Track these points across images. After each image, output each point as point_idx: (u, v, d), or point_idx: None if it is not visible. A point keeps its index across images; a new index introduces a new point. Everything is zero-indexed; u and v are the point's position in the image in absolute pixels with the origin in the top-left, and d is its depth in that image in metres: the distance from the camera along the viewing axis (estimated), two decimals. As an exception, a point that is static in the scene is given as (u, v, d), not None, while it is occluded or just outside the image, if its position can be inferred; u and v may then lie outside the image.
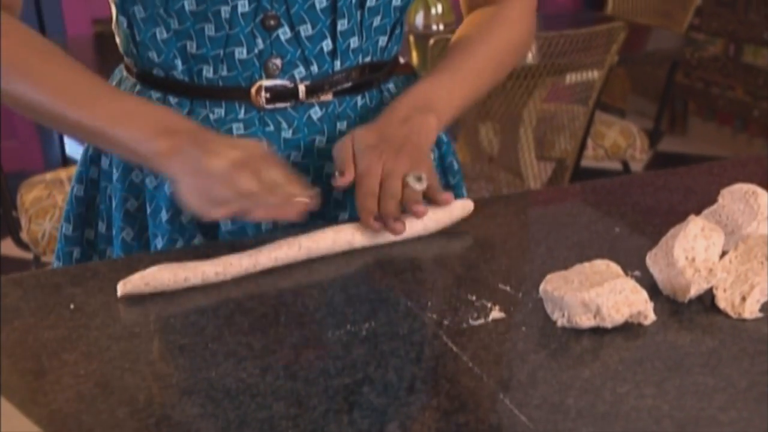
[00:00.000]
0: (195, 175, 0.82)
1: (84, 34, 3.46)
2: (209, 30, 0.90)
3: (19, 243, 2.31)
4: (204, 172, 0.81)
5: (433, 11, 2.67)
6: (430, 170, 0.89)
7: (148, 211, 0.97)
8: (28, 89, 0.86)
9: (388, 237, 0.85)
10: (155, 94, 0.96)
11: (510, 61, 1.05)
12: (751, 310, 0.70)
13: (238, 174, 0.81)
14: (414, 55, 2.56)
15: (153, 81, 0.96)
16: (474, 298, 0.75)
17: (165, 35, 0.92)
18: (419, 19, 2.70)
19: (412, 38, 2.69)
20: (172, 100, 0.95)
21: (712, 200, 0.83)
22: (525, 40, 1.07)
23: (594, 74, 2.35)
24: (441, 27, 2.68)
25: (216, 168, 0.81)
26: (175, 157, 0.83)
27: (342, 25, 0.93)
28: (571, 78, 2.37)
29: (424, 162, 0.89)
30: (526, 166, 2.51)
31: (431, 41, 2.18)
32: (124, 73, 1.01)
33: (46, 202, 2.26)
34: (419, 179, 0.86)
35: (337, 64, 0.95)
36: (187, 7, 0.89)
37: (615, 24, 2.28)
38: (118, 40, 0.99)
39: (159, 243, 0.96)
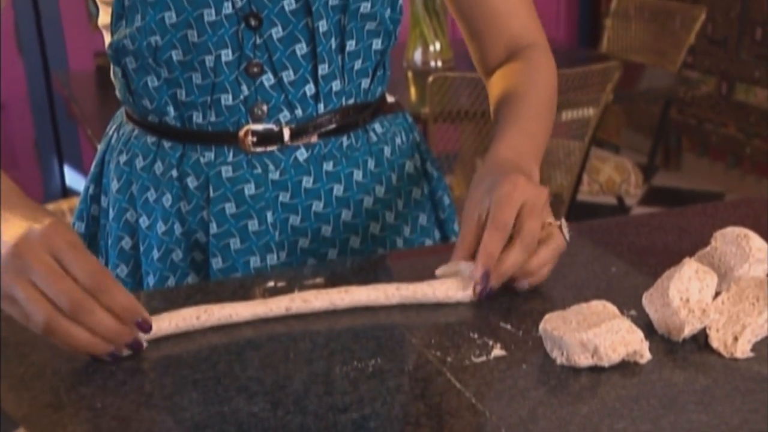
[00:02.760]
0: None
1: (87, 68, 3.51)
2: (196, 78, 0.94)
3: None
4: None
5: (431, 48, 2.72)
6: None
7: (141, 249, 1.00)
8: None
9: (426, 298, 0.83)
10: (150, 138, 1.00)
11: (555, 103, 1.05)
12: (742, 350, 0.73)
13: (21, 260, 0.69)
14: (412, 91, 2.60)
15: (149, 126, 1.00)
16: (476, 336, 0.77)
17: (156, 83, 0.96)
18: (417, 56, 2.75)
19: (410, 74, 2.73)
20: (166, 144, 0.99)
21: (706, 241, 0.86)
22: (555, 82, 1.07)
23: (590, 111, 2.40)
24: (439, 64, 2.73)
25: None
26: None
27: (323, 69, 0.96)
28: (567, 115, 2.41)
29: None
30: (522, 201, 2.54)
31: (430, 78, 2.22)
32: (124, 117, 1.05)
33: (47, 233, 2.28)
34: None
35: (321, 107, 0.97)
36: (174, 58, 0.93)
37: (610, 63, 2.33)
38: (116, 88, 1.02)
39: (151, 281, 0.99)
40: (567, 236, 0.86)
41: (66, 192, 3.68)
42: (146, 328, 0.73)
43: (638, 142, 4.15)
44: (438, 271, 0.84)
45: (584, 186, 2.72)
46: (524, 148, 0.92)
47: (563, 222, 0.87)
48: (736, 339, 0.74)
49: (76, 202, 2.45)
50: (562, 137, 2.65)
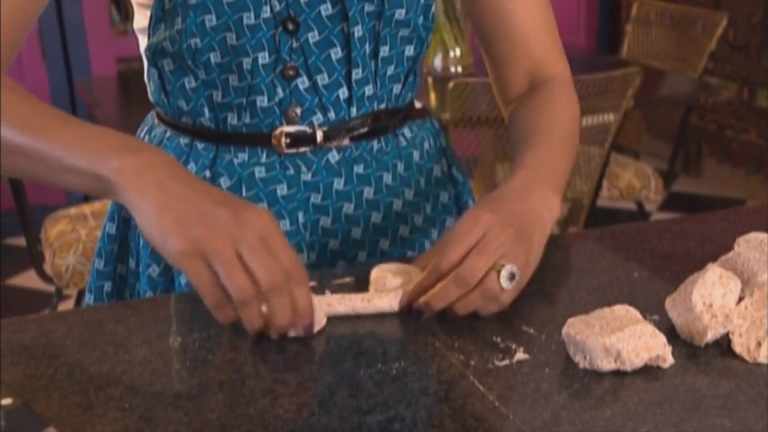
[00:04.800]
0: (169, 198, 0.75)
1: (109, 74, 3.54)
2: (233, 80, 0.95)
3: (43, 276, 2.35)
4: (182, 201, 0.75)
5: (451, 54, 2.73)
6: (528, 265, 0.81)
7: None
8: None
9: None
10: (184, 140, 1.01)
11: (577, 139, 1.02)
12: (765, 355, 0.73)
13: (242, 233, 0.73)
14: (432, 97, 2.61)
15: (182, 128, 1.01)
16: (499, 339, 0.78)
17: (193, 85, 0.97)
18: (438, 62, 2.75)
19: (430, 80, 2.74)
20: (199, 145, 1.00)
21: (728, 247, 0.86)
22: (578, 117, 1.04)
23: (610, 117, 2.39)
24: (459, 69, 2.73)
25: (213, 210, 0.74)
26: (138, 173, 0.76)
27: (357, 74, 0.97)
28: (587, 121, 2.41)
29: (530, 252, 0.82)
30: (541, 207, 2.53)
31: (450, 84, 2.22)
32: (155, 120, 1.06)
33: (70, 237, 2.30)
34: (512, 277, 0.79)
35: (353, 111, 0.99)
36: (212, 59, 0.94)
37: (631, 69, 2.32)
38: (149, 90, 1.04)
39: (183, 280, 1.00)
40: (504, 284, 0.78)
41: (87, 196, 3.71)
42: (308, 332, 0.77)
43: (658, 147, 4.13)
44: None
45: (604, 191, 2.71)
46: (543, 175, 0.90)
47: (511, 267, 0.79)
48: (759, 344, 0.74)
49: (98, 206, 2.47)
50: (582, 143, 2.63)
